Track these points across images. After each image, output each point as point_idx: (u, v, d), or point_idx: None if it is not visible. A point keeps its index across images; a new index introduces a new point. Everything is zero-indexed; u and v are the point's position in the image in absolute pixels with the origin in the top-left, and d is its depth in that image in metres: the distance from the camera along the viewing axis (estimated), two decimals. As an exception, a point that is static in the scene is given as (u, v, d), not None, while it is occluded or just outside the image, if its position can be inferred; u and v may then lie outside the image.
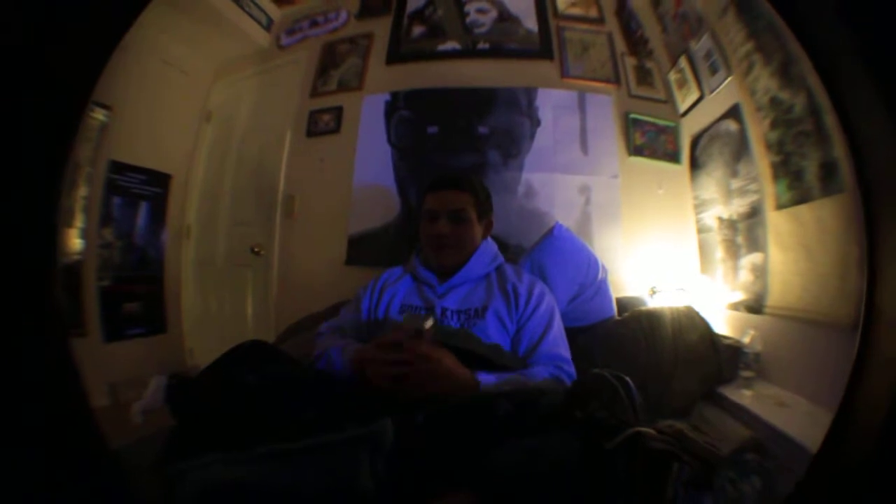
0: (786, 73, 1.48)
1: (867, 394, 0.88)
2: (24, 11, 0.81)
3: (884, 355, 0.87)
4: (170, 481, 0.93)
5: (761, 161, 1.62)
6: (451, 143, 1.93)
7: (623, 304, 1.70)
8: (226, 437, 1.01)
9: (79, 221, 1.53)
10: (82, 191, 1.55)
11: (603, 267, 1.66)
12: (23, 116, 0.82)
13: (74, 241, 1.51)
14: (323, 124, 1.94)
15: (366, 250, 1.88)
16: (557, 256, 1.60)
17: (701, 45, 1.80)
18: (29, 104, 0.82)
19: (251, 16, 1.98)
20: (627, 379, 1.20)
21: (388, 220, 1.91)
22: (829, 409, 0.95)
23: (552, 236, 1.66)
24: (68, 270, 1.47)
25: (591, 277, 1.63)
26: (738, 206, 1.69)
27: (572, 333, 1.50)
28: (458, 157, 1.92)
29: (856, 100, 0.89)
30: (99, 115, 1.52)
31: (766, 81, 1.57)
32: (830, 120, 1.27)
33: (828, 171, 1.35)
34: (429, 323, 1.22)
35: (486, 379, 1.25)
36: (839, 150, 1.27)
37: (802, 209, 1.47)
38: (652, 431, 1.05)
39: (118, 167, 1.70)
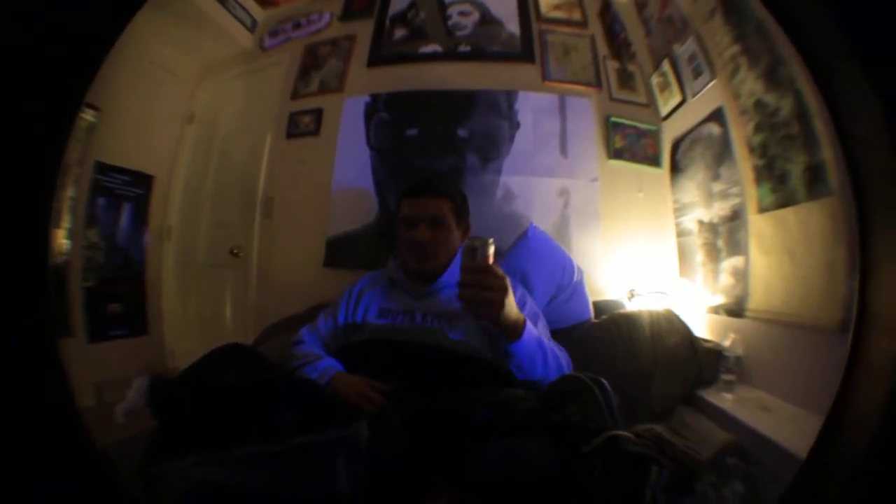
0: (773, 76, 1.47)
1: (859, 399, 0.88)
2: (21, 14, 0.81)
3: (876, 360, 0.87)
4: (150, 483, 0.94)
5: (744, 164, 1.62)
6: (430, 146, 1.92)
7: (601, 308, 1.70)
8: (205, 439, 1.01)
9: (66, 222, 1.52)
10: (70, 191, 1.55)
11: (578, 268, 1.66)
12: (18, 117, 0.82)
13: (62, 242, 1.50)
14: (303, 126, 1.94)
15: (344, 252, 1.88)
16: (534, 258, 1.61)
17: (685, 48, 1.80)
18: (24, 105, 0.83)
19: (236, 17, 1.97)
20: (604, 382, 1.21)
21: (367, 222, 1.91)
22: (813, 412, 0.95)
23: (527, 238, 1.67)
24: (56, 271, 1.47)
25: (567, 278, 1.64)
26: (719, 210, 1.69)
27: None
28: (436, 161, 1.92)
29: (848, 101, 0.89)
30: (88, 115, 1.51)
31: (751, 84, 1.57)
32: (819, 123, 1.27)
33: (814, 175, 1.34)
34: (492, 248, 1.28)
35: (530, 326, 1.33)
36: (827, 154, 1.26)
37: (786, 213, 1.47)
38: (629, 435, 1.06)
39: (103, 168, 1.69)
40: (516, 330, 1.31)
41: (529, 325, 1.33)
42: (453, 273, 1.51)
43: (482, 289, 1.26)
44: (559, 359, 1.38)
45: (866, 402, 0.86)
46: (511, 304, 1.29)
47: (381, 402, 1.29)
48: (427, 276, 1.54)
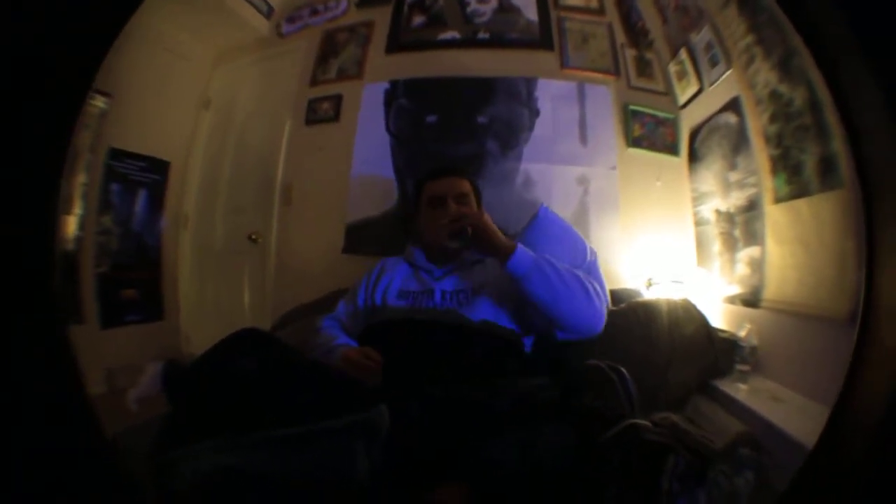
0: (786, 67, 1.47)
1: (865, 388, 0.88)
2: None
3: (882, 349, 0.87)
4: (164, 469, 0.94)
5: (760, 154, 1.62)
6: (449, 133, 1.93)
7: (619, 296, 1.69)
8: (221, 425, 1.01)
9: (77, 208, 1.52)
10: (81, 178, 1.55)
11: (591, 249, 1.66)
12: (23, 101, 0.82)
13: (73, 228, 1.50)
14: (322, 112, 1.94)
15: (363, 238, 1.89)
16: (546, 238, 1.61)
17: (701, 37, 1.80)
18: (29, 88, 0.82)
19: (251, 3, 1.97)
20: (623, 370, 1.22)
21: (386, 208, 1.92)
22: (823, 403, 0.95)
23: (538, 218, 1.68)
24: (67, 257, 1.47)
25: (580, 258, 1.63)
26: (736, 199, 1.69)
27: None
28: (456, 147, 1.92)
29: (856, 94, 0.89)
30: (99, 102, 1.51)
31: (766, 75, 1.56)
32: (830, 114, 1.27)
33: (827, 167, 1.34)
34: None
35: (523, 253, 1.38)
36: (838, 145, 1.26)
37: (801, 203, 1.47)
38: (647, 423, 1.07)
39: (117, 154, 1.69)
40: (507, 250, 1.37)
41: (524, 248, 1.39)
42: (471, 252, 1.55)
43: (463, 216, 1.42)
44: (578, 277, 1.41)
45: (873, 391, 0.87)
46: (495, 231, 1.40)
47: (374, 370, 1.31)
48: (450, 253, 1.56)
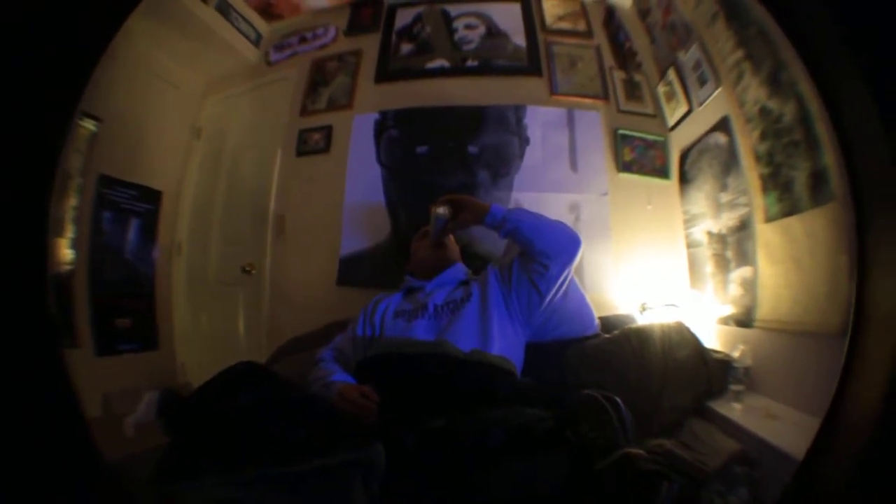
0: (776, 81, 1.47)
1: (855, 399, 0.89)
2: (11, 19, 0.80)
3: (872, 361, 0.88)
4: (166, 499, 0.94)
5: (750, 173, 1.62)
6: (440, 163, 1.93)
7: (613, 322, 1.70)
8: (220, 457, 1.02)
9: (70, 232, 1.52)
10: (72, 201, 1.54)
11: None
12: (7, 120, 0.82)
13: (66, 252, 1.50)
14: (313, 143, 1.94)
15: (357, 271, 1.89)
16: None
17: (689, 55, 1.80)
18: (14, 108, 0.82)
19: (240, 30, 1.97)
20: (618, 400, 1.22)
21: (379, 240, 1.91)
22: (818, 417, 0.95)
23: None
24: (60, 281, 1.47)
25: None
26: (727, 220, 1.70)
27: (558, 346, 1.57)
28: (448, 178, 1.92)
29: (848, 106, 0.90)
30: (88, 124, 1.50)
31: (755, 91, 1.57)
32: (821, 126, 1.27)
33: (818, 181, 1.35)
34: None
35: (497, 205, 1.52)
36: (829, 158, 1.26)
37: (792, 220, 1.48)
38: (641, 452, 1.07)
39: (108, 181, 1.69)
40: (485, 207, 1.50)
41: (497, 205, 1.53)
42: (454, 272, 1.65)
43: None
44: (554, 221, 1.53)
45: (862, 402, 0.87)
46: (472, 198, 1.55)
47: (371, 410, 1.30)
48: (436, 271, 1.63)
